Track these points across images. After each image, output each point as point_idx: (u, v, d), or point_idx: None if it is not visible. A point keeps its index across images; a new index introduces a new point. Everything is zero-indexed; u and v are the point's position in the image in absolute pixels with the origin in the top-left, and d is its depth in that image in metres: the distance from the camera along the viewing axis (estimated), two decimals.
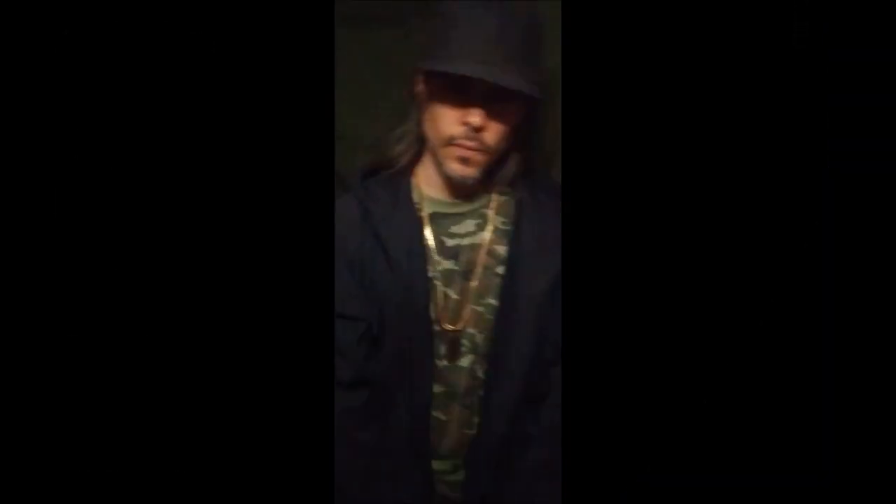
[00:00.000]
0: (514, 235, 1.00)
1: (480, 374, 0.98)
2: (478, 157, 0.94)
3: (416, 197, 1.02)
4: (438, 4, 0.96)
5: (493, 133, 0.93)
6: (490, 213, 1.01)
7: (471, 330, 0.98)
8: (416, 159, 1.03)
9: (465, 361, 0.98)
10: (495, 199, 1.01)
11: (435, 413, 0.98)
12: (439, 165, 0.97)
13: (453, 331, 0.98)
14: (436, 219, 1.00)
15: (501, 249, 0.99)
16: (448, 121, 0.93)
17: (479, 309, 0.98)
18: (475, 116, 0.91)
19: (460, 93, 0.91)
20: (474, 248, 0.99)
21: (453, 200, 1.01)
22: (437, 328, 0.97)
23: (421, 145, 1.01)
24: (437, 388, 0.98)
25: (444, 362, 0.98)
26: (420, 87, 0.98)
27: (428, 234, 0.99)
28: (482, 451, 0.98)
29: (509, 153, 1.00)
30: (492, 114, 0.92)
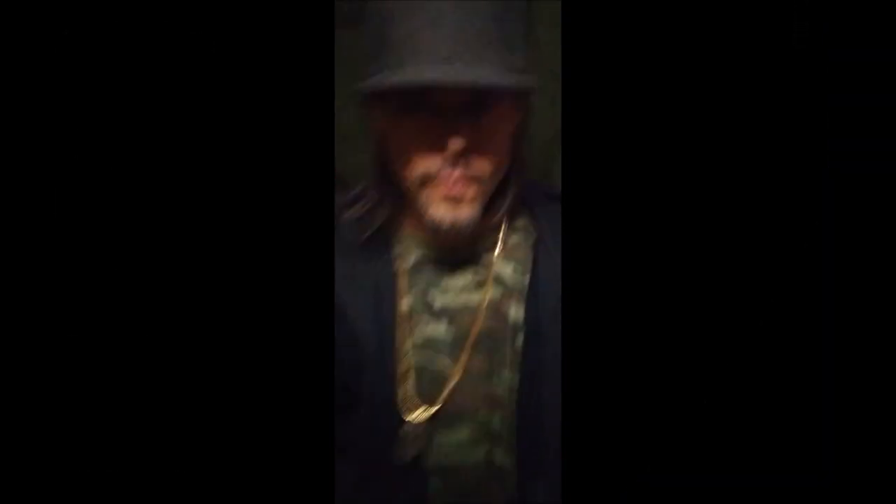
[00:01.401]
0: (530, 290, 0.76)
1: (500, 461, 0.76)
2: (470, 191, 0.70)
3: (396, 244, 0.78)
4: (370, 3, 0.72)
5: (484, 156, 0.69)
6: (494, 257, 0.76)
7: (483, 412, 0.75)
8: (395, 212, 0.78)
9: (477, 452, 0.75)
10: (501, 241, 0.77)
11: None
12: (422, 212, 0.72)
13: (462, 414, 0.74)
14: (420, 270, 0.77)
15: (515, 311, 0.76)
16: (420, 156, 0.69)
17: (494, 389, 0.75)
18: (454, 140, 0.67)
19: (428, 112, 0.68)
20: (472, 310, 0.75)
21: (446, 248, 0.77)
22: (434, 410, 0.75)
23: (396, 193, 0.76)
24: (435, 483, 0.75)
25: (455, 452, 0.75)
26: (377, 120, 0.75)
27: (406, 293, 0.75)
28: None
29: (511, 173, 0.75)
30: (477, 132, 0.68)
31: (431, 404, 0.74)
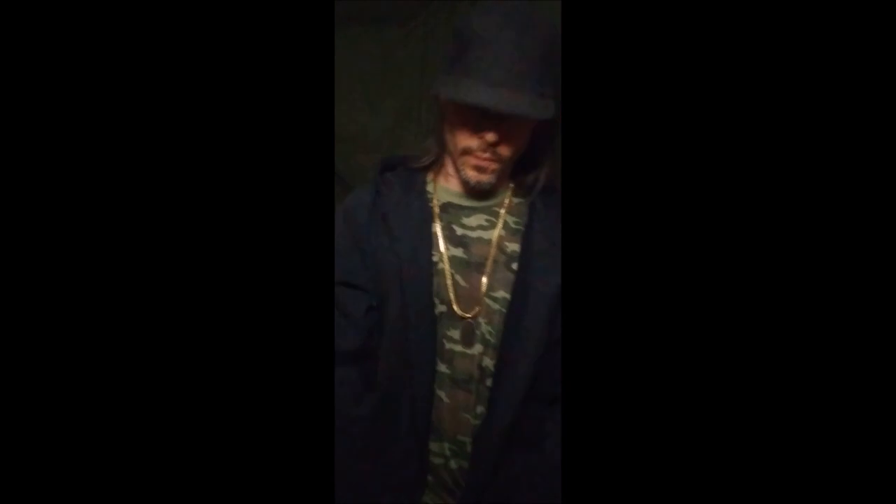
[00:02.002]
0: (525, 235, 1.03)
1: (487, 364, 1.00)
2: (493, 165, 1.00)
3: (430, 189, 1.07)
4: (457, 21, 0.98)
5: (509, 146, 0.98)
6: (502, 212, 1.05)
7: (482, 321, 1.00)
8: (436, 160, 1.08)
9: (474, 350, 1.00)
10: (509, 200, 1.06)
11: (438, 392, 1.00)
12: (457, 169, 1.03)
13: (467, 318, 1.00)
14: (447, 209, 1.05)
15: (513, 246, 1.03)
16: (464, 135, 0.98)
17: (490, 302, 1.00)
18: (490, 134, 0.96)
19: (478, 111, 0.94)
20: (484, 242, 1.03)
21: (468, 197, 1.06)
22: (445, 309, 1.00)
23: (442, 149, 1.06)
24: (442, 369, 1.00)
25: (456, 346, 1.00)
26: (444, 107, 1.02)
27: (437, 221, 1.03)
28: (486, 442, 0.99)
29: (538, 164, 1.05)
30: (507, 130, 0.97)
31: (467, 310, 1.01)
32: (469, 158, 0.99)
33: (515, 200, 1.06)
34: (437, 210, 1.04)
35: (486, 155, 0.98)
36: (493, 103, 0.91)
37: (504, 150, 0.99)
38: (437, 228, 1.03)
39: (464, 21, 0.96)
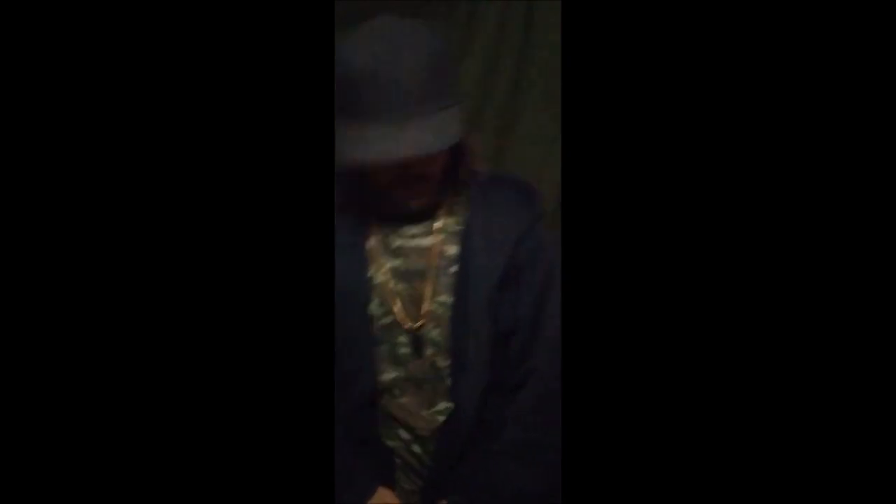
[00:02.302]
0: (463, 235, 1.03)
1: (442, 364, 1.02)
2: (426, 187, 0.98)
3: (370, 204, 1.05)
4: (339, 55, 0.92)
5: (434, 166, 0.96)
6: (441, 215, 1.03)
7: (430, 326, 1.02)
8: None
9: (426, 353, 1.03)
10: (446, 205, 1.04)
11: (393, 393, 1.03)
12: (393, 200, 1.00)
13: (414, 328, 1.02)
14: (383, 220, 1.03)
15: (452, 250, 1.03)
16: (384, 174, 0.95)
17: (435, 307, 1.02)
18: (408, 170, 0.93)
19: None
20: (423, 249, 1.03)
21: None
22: (391, 320, 1.02)
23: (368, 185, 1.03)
24: (399, 373, 1.03)
25: (408, 350, 1.03)
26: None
27: (373, 235, 1.03)
28: (452, 434, 1.02)
29: (461, 157, 1.02)
30: (425, 157, 0.92)
31: (414, 319, 1.03)
32: (400, 192, 0.97)
33: (454, 202, 1.04)
34: (374, 224, 1.03)
35: (415, 184, 0.96)
36: (395, 153, 0.88)
37: (428, 175, 0.96)
38: (374, 242, 1.02)
39: (341, 61, 0.90)
